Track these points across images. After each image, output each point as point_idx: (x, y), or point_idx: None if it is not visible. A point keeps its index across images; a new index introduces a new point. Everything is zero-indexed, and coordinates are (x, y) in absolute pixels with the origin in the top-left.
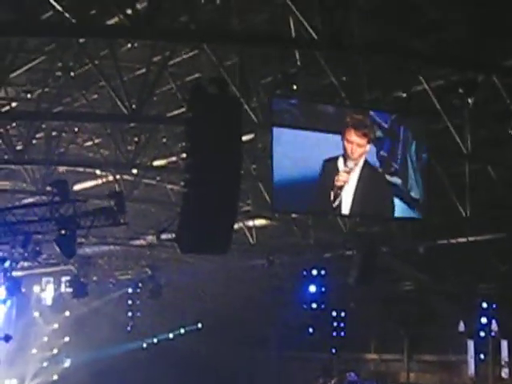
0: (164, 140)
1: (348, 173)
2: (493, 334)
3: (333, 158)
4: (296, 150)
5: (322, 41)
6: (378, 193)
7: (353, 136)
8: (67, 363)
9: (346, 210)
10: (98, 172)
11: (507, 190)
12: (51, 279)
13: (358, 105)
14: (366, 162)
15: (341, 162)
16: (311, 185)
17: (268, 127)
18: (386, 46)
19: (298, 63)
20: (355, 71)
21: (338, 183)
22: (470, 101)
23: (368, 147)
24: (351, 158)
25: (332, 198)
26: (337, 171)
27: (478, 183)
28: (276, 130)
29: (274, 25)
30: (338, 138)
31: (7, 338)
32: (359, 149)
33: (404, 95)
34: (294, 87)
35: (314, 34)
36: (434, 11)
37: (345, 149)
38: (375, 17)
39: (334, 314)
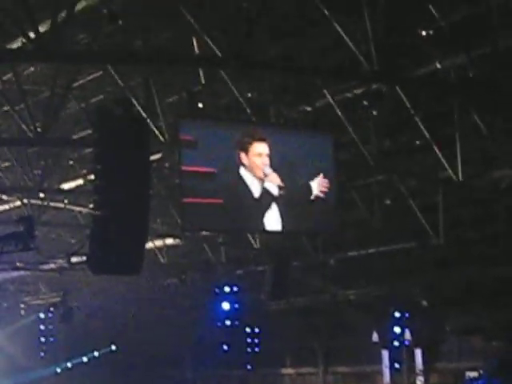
0: (71, 162)
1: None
2: (406, 342)
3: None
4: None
5: (225, 58)
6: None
7: (256, 147)
8: None
9: (276, 226)
10: (4, 197)
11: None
12: None
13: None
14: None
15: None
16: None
17: (176, 146)
18: (288, 63)
19: (203, 81)
20: (261, 87)
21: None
22: (374, 112)
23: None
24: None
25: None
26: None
27: (385, 194)
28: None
29: (177, 44)
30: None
31: None
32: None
33: (309, 109)
34: (200, 105)
35: (217, 52)
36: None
37: (254, 170)
38: (279, 34)
39: (248, 330)
